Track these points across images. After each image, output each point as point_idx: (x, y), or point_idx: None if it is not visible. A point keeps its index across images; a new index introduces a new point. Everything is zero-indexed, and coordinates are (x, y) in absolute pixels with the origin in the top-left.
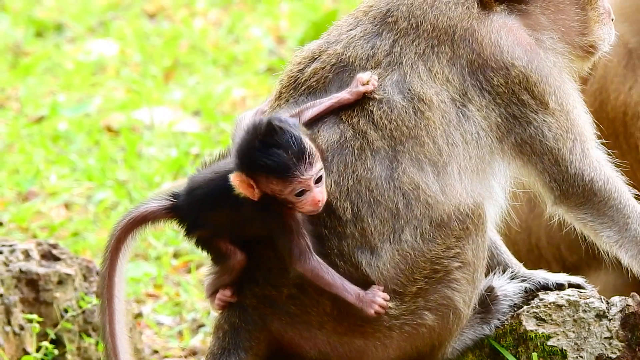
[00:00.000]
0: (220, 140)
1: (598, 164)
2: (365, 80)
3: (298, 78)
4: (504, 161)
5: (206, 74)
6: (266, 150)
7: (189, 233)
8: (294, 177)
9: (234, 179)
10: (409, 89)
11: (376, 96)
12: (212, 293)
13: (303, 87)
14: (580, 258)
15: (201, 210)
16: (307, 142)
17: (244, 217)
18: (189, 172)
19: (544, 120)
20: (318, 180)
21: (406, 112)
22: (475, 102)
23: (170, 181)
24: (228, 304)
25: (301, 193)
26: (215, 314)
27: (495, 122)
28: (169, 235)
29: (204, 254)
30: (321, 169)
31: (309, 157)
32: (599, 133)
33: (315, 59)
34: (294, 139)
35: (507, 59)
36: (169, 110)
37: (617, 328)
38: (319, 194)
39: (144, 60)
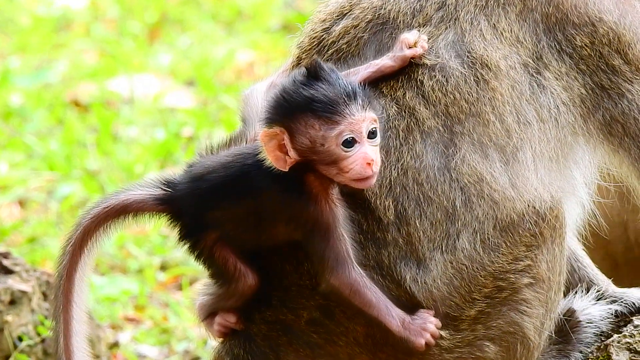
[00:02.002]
0: (221, 118)
1: None
2: (412, 41)
3: (323, 39)
4: (589, 145)
5: (202, 33)
6: (310, 84)
7: (188, 235)
8: (342, 115)
9: (263, 136)
10: (469, 52)
11: (427, 62)
12: (209, 315)
13: (330, 52)
14: None
15: (210, 202)
16: (361, 87)
17: (266, 209)
18: (180, 158)
19: None
20: (371, 136)
21: (466, 81)
22: (552, 68)
23: (155, 171)
24: (231, 331)
25: (350, 144)
26: (214, 343)
27: (579, 95)
28: (155, 242)
29: (202, 267)
30: (376, 120)
31: (362, 98)
32: None
33: (345, 14)
34: (344, 79)
35: (593, 12)
36: (155, 80)
37: None
38: (372, 152)
39: (121, 14)
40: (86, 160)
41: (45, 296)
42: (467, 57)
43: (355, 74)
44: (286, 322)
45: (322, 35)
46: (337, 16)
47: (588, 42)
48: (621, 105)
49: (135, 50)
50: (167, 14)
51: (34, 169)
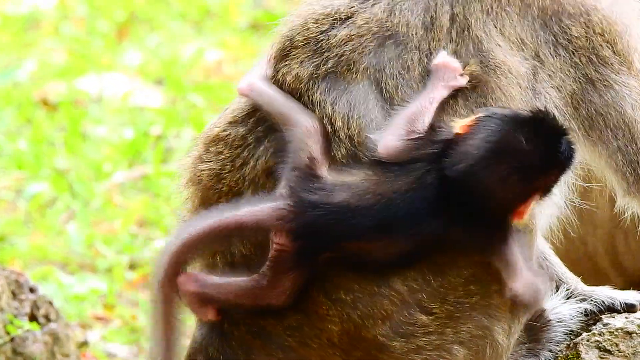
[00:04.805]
0: (189, 117)
1: None
2: (459, 69)
3: (321, 42)
4: None
5: (171, 32)
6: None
7: (300, 257)
8: None
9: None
10: (495, 66)
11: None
12: (203, 297)
13: (332, 55)
14: None
15: (358, 235)
16: None
17: (450, 237)
18: (149, 157)
19: (625, 85)
20: None
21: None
22: (547, 64)
23: (124, 170)
24: (208, 329)
25: None
26: (185, 343)
27: (570, 92)
28: (124, 241)
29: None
30: None
31: None
32: None
33: (345, 20)
34: None
35: (589, 1)
36: (123, 78)
37: None
38: None
39: (90, 13)
40: (55, 159)
41: (14, 295)
42: (488, 66)
43: (427, 113)
44: (266, 328)
45: (320, 37)
46: (335, 20)
47: (583, 32)
48: (606, 97)
49: (104, 49)
50: (135, 13)
51: (3, 168)
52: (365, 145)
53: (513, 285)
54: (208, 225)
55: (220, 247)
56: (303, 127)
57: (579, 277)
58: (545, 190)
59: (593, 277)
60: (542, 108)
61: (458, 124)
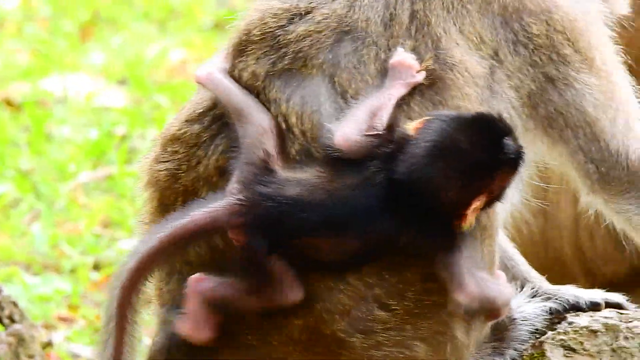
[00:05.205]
0: (154, 117)
1: None
2: (416, 66)
3: (279, 37)
4: (526, 140)
5: (135, 32)
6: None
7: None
8: None
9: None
10: (446, 59)
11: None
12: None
13: (289, 51)
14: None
15: (309, 231)
16: None
17: (405, 237)
18: (113, 158)
19: (585, 83)
20: None
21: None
22: (506, 64)
23: (88, 170)
24: (170, 330)
25: None
26: (147, 341)
27: (528, 92)
28: (88, 241)
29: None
30: None
31: None
32: None
33: (304, 15)
34: None
35: None
36: (87, 79)
37: None
38: None
39: (54, 13)
40: (19, 160)
41: None
42: (445, 64)
43: (386, 110)
44: (226, 325)
45: (277, 32)
46: (294, 15)
47: (544, 29)
48: (566, 96)
49: (67, 49)
50: (99, 12)
51: None
52: (318, 139)
53: (455, 297)
54: (162, 238)
55: (179, 256)
56: (258, 125)
57: (545, 275)
58: (490, 193)
59: (560, 277)
60: (499, 107)
61: (410, 126)
